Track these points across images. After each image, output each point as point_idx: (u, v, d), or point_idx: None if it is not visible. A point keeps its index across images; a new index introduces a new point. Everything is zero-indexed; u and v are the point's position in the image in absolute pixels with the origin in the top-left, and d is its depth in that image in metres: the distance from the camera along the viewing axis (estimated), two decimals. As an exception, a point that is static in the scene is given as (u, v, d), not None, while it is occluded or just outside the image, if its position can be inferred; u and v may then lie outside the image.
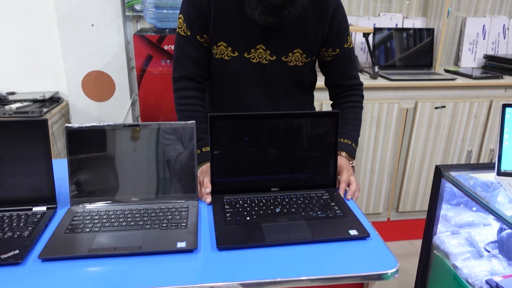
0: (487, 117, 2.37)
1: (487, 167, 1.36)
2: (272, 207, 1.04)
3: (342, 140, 1.26)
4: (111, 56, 2.42)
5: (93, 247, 0.86)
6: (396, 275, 0.83)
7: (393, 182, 2.46)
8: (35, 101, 2.29)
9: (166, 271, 0.82)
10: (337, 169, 1.14)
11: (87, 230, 0.92)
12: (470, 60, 2.74)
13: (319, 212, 1.01)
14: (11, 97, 2.32)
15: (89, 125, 1.03)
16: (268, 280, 0.80)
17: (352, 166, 1.24)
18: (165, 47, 2.15)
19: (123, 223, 0.95)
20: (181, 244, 0.88)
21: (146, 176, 1.06)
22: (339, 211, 1.02)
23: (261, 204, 1.05)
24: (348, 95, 1.33)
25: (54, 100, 2.41)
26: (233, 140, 1.09)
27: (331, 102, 1.39)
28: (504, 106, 1.26)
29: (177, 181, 1.07)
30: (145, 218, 0.97)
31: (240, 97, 1.29)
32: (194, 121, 1.06)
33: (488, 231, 1.37)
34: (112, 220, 0.96)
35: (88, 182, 1.04)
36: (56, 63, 2.46)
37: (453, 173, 1.33)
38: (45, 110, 2.20)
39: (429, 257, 1.44)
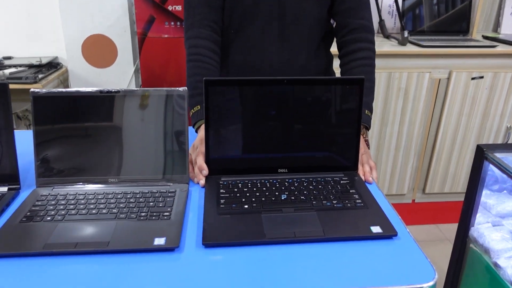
0: (526, 88, 2.09)
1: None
2: (277, 193, 0.85)
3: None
4: (113, 18, 2.22)
5: (50, 242, 0.70)
6: (434, 290, 0.64)
7: (420, 160, 2.24)
8: (31, 66, 2.13)
9: (138, 275, 0.65)
10: (359, 146, 0.93)
11: (48, 218, 0.76)
12: (513, 26, 2.42)
13: (334, 202, 0.82)
14: (7, 62, 2.16)
15: (59, 90, 0.85)
16: (265, 293, 0.62)
17: (366, 141, 1.07)
18: (169, 8, 1.94)
19: (93, 211, 0.78)
20: (159, 241, 0.70)
21: (127, 152, 0.88)
22: (359, 201, 0.83)
23: (264, 188, 0.86)
24: (356, 50, 1.13)
25: (52, 65, 2.24)
26: (234, 109, 0.89)
27: (339, 63, 1.19)
28: None
29: (164, 159, 0.88)
30: (121, 205, 0.80)
31: (252, 43, 1.13)
32: (185, 88, 0.87)
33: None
34: (81, 206, 0.79)
35: (57, 158, 0.87)
36: (55, 26, 2.29)
37: (498, 154, 1.11)
38: (40, 76, 2.03)
39: (464, 252, 1.23)
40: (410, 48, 2.01)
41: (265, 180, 0.89)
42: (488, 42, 2.14)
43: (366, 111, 1.08)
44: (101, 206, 0.80)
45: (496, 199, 1.27)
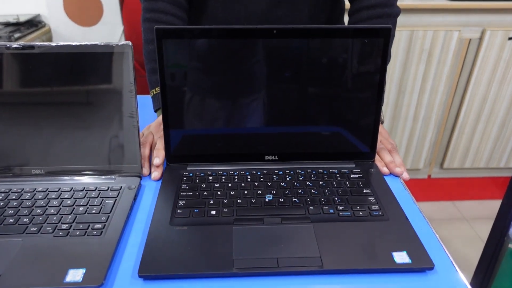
0: None
1: None
2: (259, 192, 0.60)
3: None
4: (93, -33, 1.92)
5: None
6: None
7: (440, 133, 1.97)
8: (7, 24, 1.86)
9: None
10: (379, 125, 0.68)
11: None
12: (557, -24, 2.07)
13: (340, 208, 0.57)
14: (-19, 21, 1.89)
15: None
16: None
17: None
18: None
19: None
20: (74, 275, 0.47)
21: (57, 134, 0.63)
22: (376, 207, 0.58)
23: (242, 184, 0.62)
24: (372, 14, 0.80)
25: (33, 24, 1.97)
26: (202, 72, 0.64)
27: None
28: None
29: (107, 143, 0.64)
30: (38, 211, 0.56)
31: None
32: (129, 42, 0.60)
33: None
34: (-19, 211, 0.56)
35: (-40, 141, 0.62)
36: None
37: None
38: (17, 35, 1.77)
39: (500, 251, 1.00)
40: (436, 1, 1.69)
41: (245, 171, 0.65)
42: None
43: None
44: (10, 212, 0.56)
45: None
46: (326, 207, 0.58)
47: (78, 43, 0.60)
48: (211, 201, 0.59)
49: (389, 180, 0.65)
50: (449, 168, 2.08)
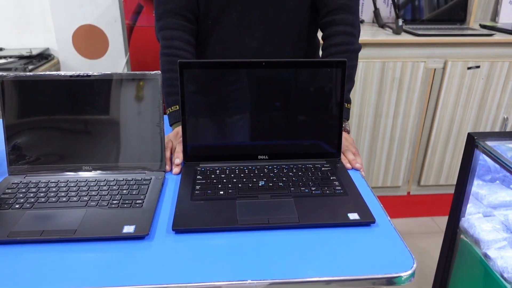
0: (530, 79, 2.05)
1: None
2: (254, 180, 0.82)
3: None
4: (103, 8, 2.19)
5: (16, 230, 0.67)
6: (412, 279, 0.61)
7: (415, 152, 2.20)
8: (21, 57, 2.10)
9: (106, 263, 0.62)
10: (342, 133, 0.90)
11: (16, 206, 0.73)
12: (511, 15, 2.38)
13: (313, 188, 0.79)
14: (-3, 54, 2.14)
15: (29, 74, 0.82)
16: (231, 283, 0.59)
17: (345, 130, 1.03)
18: (159, -3, 1.90)
19: (63, 199, 0.76)
20: (128, 229, 0.68)
21: (102, 139, 0.85)
22: (339, 188, 0.80)
23: (242, 175, 0.84)
24: (331, 35, 1.05)
25: (44, 57, 2.22)
26: (212, 94, 0.87)
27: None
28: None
29: (139, 146, 0.86)
30: (92, 193, 0.77)
31: (231, 33, 1.06)
32: (158, 72, 0.84)
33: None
34: (51, 194, 0.77)
35: (30, 145, 0.84)
36: (45, 16, 2.26)
37: (489, 143, 1.07)
38: (31, 67, 2.01)
39: (454, 243, 1.21)
40: (405, 37, 1.97)
41: (243, 167, 0.87)
42: (485, 31, 2.10)
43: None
44: (72, 194, 0.77)
45: (488, 190, 1.24)
46: (302, 188, 0.79)
47: (121, 72, 0.83)
48: (219, 186, 0.80)
49: (351, 173, 0.88)
50: (425, 185, 2.30)
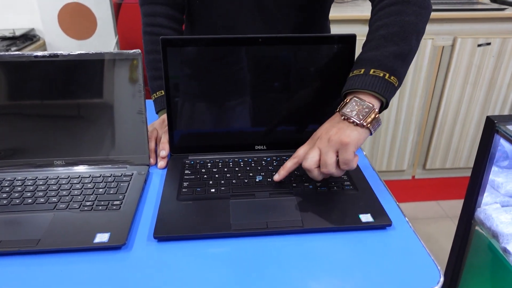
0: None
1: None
2: (251, 174, 0.72)
3: (352, 73, 0.69)
4: (89, -15, 2.05)
5: (-33, 240, 0.57)
6: (437, 296, 0.51)
7: (421, 135, 2.10)
8: (3, 38, 1.97)
9: (74, 280, 0.52)
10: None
11: (-28, 210, 0.63)
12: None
13: (318, 184, 0.69)
14: (-23, 36, 2.00)
15: (-13, 56, 0.71)
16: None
17: (347, 119, 0.64)
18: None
19: (29, 200, 0.65)
20: (101, 237, 0.57)
21: (75, 129, 0.74)
22: (348, 183, 0.69)
23: (236, 169, 0.73)
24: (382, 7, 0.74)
25: (28, 38, 2.08)
26: (201, 75, 0.75)
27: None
28: None
29: (119, 136, 0.75)
30: (63, 193, 0.67)
31: (223, 15, 0.91)
32: (138, 50, 0.72)
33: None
34: (15, 195, 0.66)
35: (-7, 138, 0.73)
36: (28, -5, 2.12)
37: (511, 127, 0.97)
38: (14, 48, 1.88)
39: (468, 235, 1.11)
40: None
41: (238, 159, 0.76)
42: (496, 5, 1.97)
43: (374, 70, 0.65)
44: (40, 194, 0.67)
45: (506, 177, 1.14)
46: (306, 184, 0.69)
47: (96, 51, 0.72)
48: (210, 182, 0.70)
49: (361, 164, 0.77)
50: (431, 169, 2.20)
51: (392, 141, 2.07)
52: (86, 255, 0.56)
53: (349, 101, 0.65)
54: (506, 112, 2.06)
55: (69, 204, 0.64)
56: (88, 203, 0.64)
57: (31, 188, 0.68)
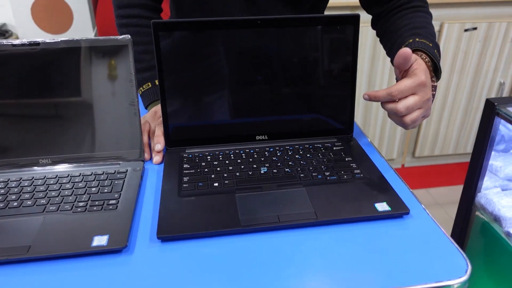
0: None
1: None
2: (254, 166, 0.67)
3: (417, 39, 0.72)
4: (63, -24, 1.95)
5: None
6: (466, 286, 0.48)
7: (409, 122, 2.09)
8: (-28, 35, 1.87)
9: (68, 289, 0.47)
10: (354, 105, 0.76)
11: (-49, 216, 0.57)
12: (505, -27, 2.25)
13: (327, 174, 0.65)
14: None
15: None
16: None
17: (433, 88, 0.69)
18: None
19: (14, 204, 0.59)
20: (100, 240, 0.52)
21: (61, 125, 0.68)
22: (358, 171, 0.66)
23: (239, 161, 0.69)
24: (406, 5, 0.81)
25: (0, 33, 1.98)
26: (197, 62, 0.70)
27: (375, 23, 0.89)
28: None
29: (110, 131, 0.69)
30: (52, 194, 0.61)
31: (209, 5, 0.86)
32: (128, 36, 0.67)
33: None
34: (-1, 197, 0.60)
35: (-30, 137, 0.67)
36: (-2, -11, 2.01)
37: (510, 109, 0.95)
38: (-16, 46, 1.78)
39: (468, 220, 1.10)
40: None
41: (240, 150, 0.72)
42: (480, -10, 1.96)
43: (436, 50, 0.72)
44: (26, 196, 0.61)
45: (503, 161, 1.13)
46: (314, 174, 0.65)
47: (81, 38, 0.66)
48: (213, 176, 0.65)
49: (368, 151, 0.74)
50: (420, 157, 2.20)
51: (382, 130, 2.05)
52: (83, 260, 0.51)
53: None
54: (492, 96, 2.07)
55: (60, 205, 0.59)
56: (81, 204, 0.59)
57: (16, 190, 0.62)
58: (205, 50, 0.69)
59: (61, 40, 0.65)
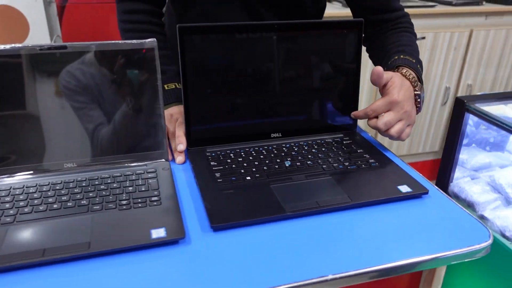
0: (466, 49, 2.18)
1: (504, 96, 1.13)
2: (278, 160, 0.72)
3: (401, 56, 0.82)
4: (20, -15, 1.88)
5: (3, 254, 0.50)
6: (489, 250, 0.56)
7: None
8: None
9: (137, 281, 0.48)
10: (358, 102, 0.83)
11: (-9, 222, 0.55)
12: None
13: (346, 164, 0.71)
14: None
15: (-20, 50, 0.62)
16: (308, 282, 0.49)
17: (417, 96, 0.78)
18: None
19: (54, 206, 0.59)
20: (158, 233, 0.54)
21: (85, 127, 0.68)
22: (372, 160, 0.73)
23: (261, 156, 0.73)
24: (394, 26, 0.91)
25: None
26: (217, 65, 0.74)
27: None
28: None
29: (135, 132, 0.70)
30: (90, 194, 0.61)
31: (206, 16, 0.90)
32: (154, 39, 0.69)
33: (510, 172, 1.17)
34: (35, 202, 0.59)
35: (-11, 143, 0.65)
36: None
37: (478, 105, 1.08)
38: None
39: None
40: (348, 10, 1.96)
41: (259, 147, 0.76)
42: (426, 2, 2.17)
43: (418, 65, 0.83)
44: (64, 198, 0.60)
45: (468, 153, 1.27)
46: (335, 164, 0.71)
47: (108, 42, 0.67)
48: (242, 171, 0.69)
49: (374, 143, 0.81)
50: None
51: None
52: (143, 253, 0.52)
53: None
54: (439, 102, 2.28)
55: (103, 205, 0.59)
56: (124, 202, 0.60)
57: (50, 193, 0.61)
58: (228, 53, 0.73)
59: (89, 43, 0.66)
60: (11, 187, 0.63)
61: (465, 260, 0.56)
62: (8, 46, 0.63)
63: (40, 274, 0.49)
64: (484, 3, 2.19)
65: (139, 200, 0.60)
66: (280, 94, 0.78)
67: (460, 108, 1.09)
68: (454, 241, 0.55)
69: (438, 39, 2.08)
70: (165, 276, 0.49)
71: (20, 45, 0.64)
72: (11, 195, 0.61)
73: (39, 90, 0.65)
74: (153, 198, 0.61)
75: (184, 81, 0.72)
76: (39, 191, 0.62)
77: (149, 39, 0.68)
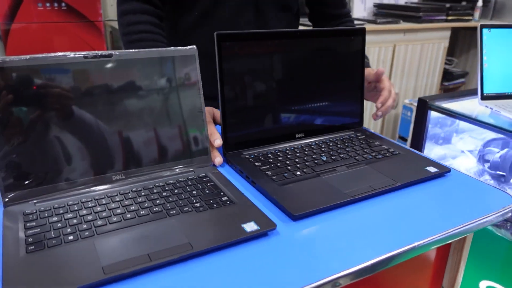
0: (391, 62, 2.45)
1: (462, 95, 1.32)
2: (314, 156, 0.77)
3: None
4: None
5: (108, 263, 0.47)
6: (513, 209, 0.67)
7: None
8: None
9: (243, 271, 0.49)
10: (363, 102, 0.93)
11: (70, 238, 0.52)
12: (361, 10, 2.79)
13: (373, 154, 0.79)
14: None
15: (22, 57, 0.59)
16: (400, 250, 0.55)
17: None
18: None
19: (127, 215, 0.57)
20: (250, 226, 0.55)
21: (129, 138, 0.67)
22: (391, 149, 0.82)
23: (297, 154, 0.78)
24: (343, 20, 1.11)
25: None
26: (251, 71, 0.78)
27: None
28: (482, 27, 1.21)
29: (180, 139, 0.71)
30: (157, 202, 0.60)
31: (220, 27, 0.94)
32: (194, 47, 0.70)
33: (465, 160, 1.35)
34: (103, 214, 0.57)
35: (31, 161, 0.60)
36: None
37: (438, 103, 1.25)
38: None
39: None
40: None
41: (290, 147, 0.81)
42: (356, 22, 2.41)
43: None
44: (132, 208, 0.58)
45: (427, 148, 1.44)
46: (365, 155, 0.78)
47: (152, 49, 0.67)
48: (288, 167, 0.72)
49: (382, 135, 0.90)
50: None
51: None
52: (239, 247, 0.53)
53: None
54: (367, 115, 2.51)
55: (178, 208, 0.59)
56: (197, 204, 0.60)
57: (113, 205, 0.59)
58: (260, 60, 0.77)
59: (133, 51, 0.65)
60: (65, 204, 0.59)
61: (495, 222, 0.66)
62: (52, 54, 0.60)
63: (148, 279, 0.47)
64: (401, 21, 2.50)
65: (211, 201, 0.61)
66: (301, 97, 0.84)
67: (424, 107, 1.25)
68: (481, 209, 0.65)
69: (368, 54, 2.32)
70: (266, 265, 0.51)
71: (62, 53, 0.61)
72: (71, 211, 0.57)
73: (87, 99, 0.63)
74: (223, 199, 0.62)
75: (221, 88, 0.74)
76: (99, 204, 0.59)
77: (190, 46, 0.70)
